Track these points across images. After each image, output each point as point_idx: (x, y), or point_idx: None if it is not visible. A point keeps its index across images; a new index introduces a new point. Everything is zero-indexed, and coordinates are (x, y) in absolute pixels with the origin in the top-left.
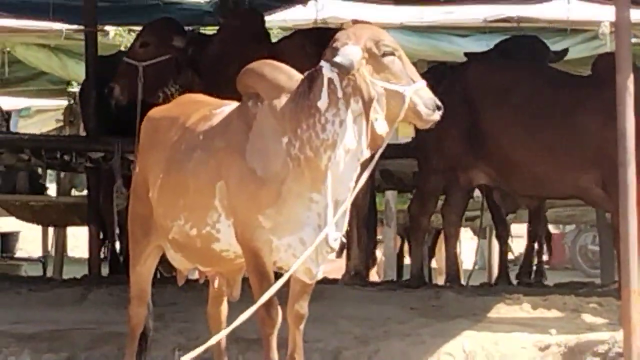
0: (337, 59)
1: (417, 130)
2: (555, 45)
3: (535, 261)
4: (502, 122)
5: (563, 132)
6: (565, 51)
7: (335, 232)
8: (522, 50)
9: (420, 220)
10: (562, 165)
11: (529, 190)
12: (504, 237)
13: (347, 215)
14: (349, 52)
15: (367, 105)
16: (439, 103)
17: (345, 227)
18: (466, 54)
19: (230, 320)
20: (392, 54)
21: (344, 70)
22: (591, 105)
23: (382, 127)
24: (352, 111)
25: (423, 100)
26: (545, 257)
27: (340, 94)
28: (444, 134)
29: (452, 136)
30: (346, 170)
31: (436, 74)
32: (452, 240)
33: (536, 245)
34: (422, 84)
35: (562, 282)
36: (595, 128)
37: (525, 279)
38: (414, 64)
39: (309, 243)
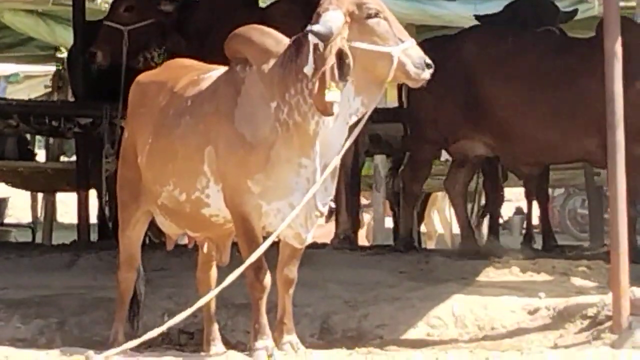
0: (315, 27)
1: (409, 97)
2: None
3: (525, 225)
4: (505, 90)
5: (567, 96)
6: (575, 11)
7: (324, 196)
8: (532, 12)
9: (412, 186)
10: (568, 131)
11: (533, 158)
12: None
13: (335, 179)
14: (329, 18)
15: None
16: (429, 61)
17: (333, 191)
18: (476, 17)
19: (218, 285)
20: (377, 15)
21: (323, 38)
22: (594, 68)
23: (331, 96)
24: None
25: (412, 59)
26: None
27: (346, 70)
28: (440, 104)
29: (449, 106)
30: (335, 135)
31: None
32: (460, 210)
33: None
34: (410, 43)
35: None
36: (599, 91)
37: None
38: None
39: (298, 207)
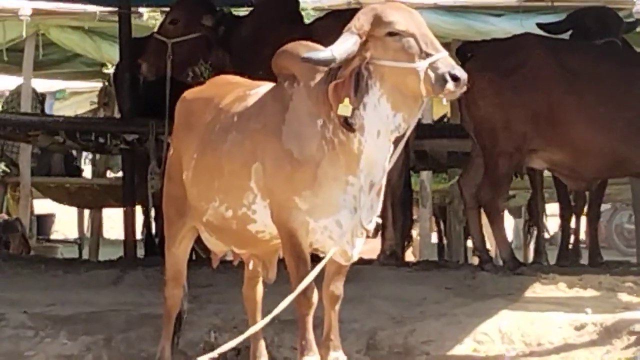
0: (307, 54)
1: (479, 112)
2: None
3: (572, 240)
4: (578, 104)
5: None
6: (637, 22)
7: (370, 214)
8: (595, 22)
9: (496, 203)
10: (635, 145)
11: (596, 173)
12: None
13: (381, 196)
14: (340, 41)
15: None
16: (455, 72)
17: (379, 208)
18: (539, 25)
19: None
20: (398, 32)
21: (323, 64)
22: None
23: (341, 110)
24: (373, 94)
25: (436, 72)
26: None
27: (362, 88)
28: (511, 115)
29: (519, 117)
30: (379, 152)
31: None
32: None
33: (573, 224)
34: (438, 55)
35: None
36: None
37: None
38: (447, 44)
39: (345, 225)
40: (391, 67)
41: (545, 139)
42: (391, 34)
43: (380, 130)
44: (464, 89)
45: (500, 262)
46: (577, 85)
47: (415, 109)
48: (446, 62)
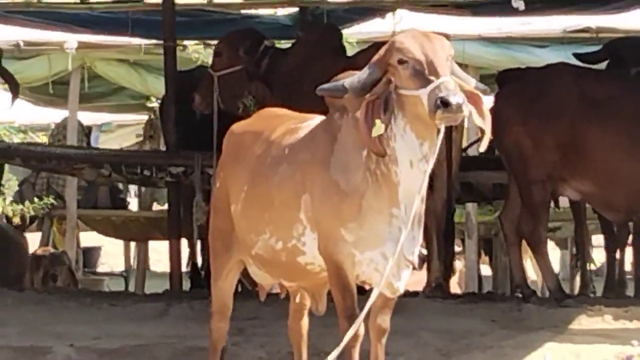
0: (321, 87)
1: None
2: None
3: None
4: (602, 134)
5: None
6: None
7: (411, 245)
8: (630, 51)
9: (538, 232)
10: None
11: (633, 205)
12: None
13: (421, 227)
14: (360, 73)
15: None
16: (447, 98)
17: (421, 239)
18: (575, 55)
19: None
20: (407, 60)
21: (336, 95)
22: None
23: (375, 130)
24: (399, 123)
25: (431, 99)
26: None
27: (390, 108)
28: (539, 142)
29: (548, 145)
30: (414, 182)
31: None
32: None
33: (618, 255)
34: (437, 82)
35: None
36: None
37: None
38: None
39: (391, 258)
40: (406, 95)
41: (571, 169)
42: (401, 62)
43: (412, 160)
44: (460, 115)
45: (546, 294)
46: (602, 115)
47: (435, 137)
48: (444, 88)
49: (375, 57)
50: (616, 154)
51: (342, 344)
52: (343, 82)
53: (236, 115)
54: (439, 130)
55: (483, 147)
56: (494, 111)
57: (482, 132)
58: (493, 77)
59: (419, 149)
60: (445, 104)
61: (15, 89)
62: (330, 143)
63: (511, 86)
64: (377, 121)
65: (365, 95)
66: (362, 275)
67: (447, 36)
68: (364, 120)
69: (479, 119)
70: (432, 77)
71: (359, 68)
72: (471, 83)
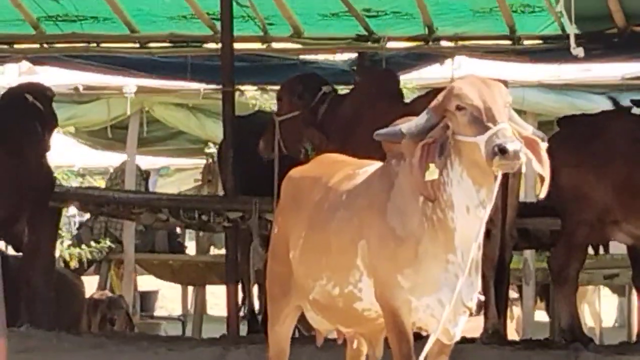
0: (378, 132)
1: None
2: None
3: None
4: None
5: None
6: None
7: (470, 291)
8: None
9: (566, 273)
10: None
11: None
12: None
13: (479, 272)
14: (417, 119)
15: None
16: (504, 145)
17: (479, 285)
18: (632, 101)
19: None
20: (465, 106)
21: (392, 140)
22: None
23: (429, 175)
24: (455, 169)
25: (489, 146)
26: None
27: (446, 153)
28: (593, 184)
29: (604, 187)
30: (471, 228)
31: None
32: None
33: None
34: (495, 129)
35: None
36: None
37: None
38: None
39: (447, 304)
40: (463, 141)
41: (625, 211)
42: (459, 108)
43: (468, 206)
44: (518, 162)
45: (604, 342)
46: None
47: (492, 183)
48: (502, 135)
49: (433, 103)
50: None
51: None
52: (400, 127)
53: (296, 161)
54: (496, 177)
55: (543, 193)
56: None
57: (542, 178)
58: (552, 124)
59: (475, 195)
60: (502, 151)
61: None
62: (387, 189)
63: (567, 129)
64: (432, 165)
65: (421, 140)
66: (419, 322)
67: (505, 83)
68: (418, 163)
69: (538, 166)
70: (489, 124)
71: (416, 114)
72: (528, 130)
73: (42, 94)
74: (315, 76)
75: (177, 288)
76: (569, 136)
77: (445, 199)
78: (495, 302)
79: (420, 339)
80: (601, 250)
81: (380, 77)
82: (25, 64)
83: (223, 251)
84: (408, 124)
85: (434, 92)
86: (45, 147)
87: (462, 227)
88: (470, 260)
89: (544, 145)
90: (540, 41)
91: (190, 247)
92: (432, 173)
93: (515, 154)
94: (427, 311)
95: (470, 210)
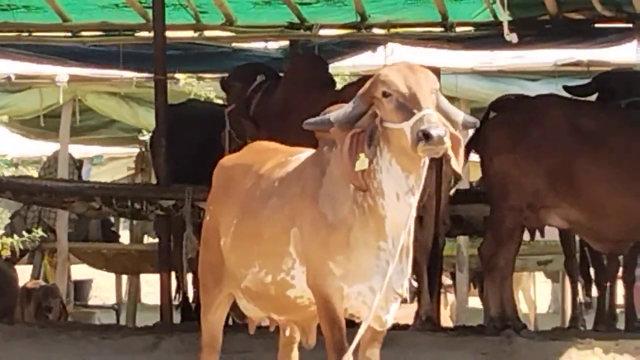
0: (307, 121)
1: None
2: None
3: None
4: (598, 165)
5: None
6: None
7: (400, 277)
8: (620, 84)
9: (495, 260)
10: None
11: (623, 235)
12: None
13: (410, 259)
14: (346, 106)
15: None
16: (428, 130)
17: (409, 272)
18: (565, 88)
19: None
20: (390, 93)
21: (321, 128)
22: None
23: (359, 165)
24: (385, 156)
25: (413, 131)
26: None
27: (375, 142)
28: (526, 170)
29: (535, 173)
30: (401, 215)
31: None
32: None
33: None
34: (420, 114)
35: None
36: None
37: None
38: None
39: (379, 291)
40: (390, 128)
41: (559, 197)
42: (385, 95)
43: (398, 193)
44: (442, 147)
45: (538, 328)
46: (591, 145)
47: (420, 170)
48: (426, 120)
49: (361, 90)
50: (605, 183)
51: None
52: (329, 115)
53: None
54: (425, 163)
55: (457, 168)
56: (482, 137)
57: (457, 177)
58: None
59: (404, 181)
60: (427, 136)
61: None
62: (319, 176)
63: (501, 114)
64: (361, 155)
65: (350, 128)
66: (351, 309)
67: (438, 70)
68: (348, 153)
69: (455, 164)
70: (415, 110)
71: (347, 101)
72: (459, 116)
73: None
74: (252, 66)
75: (111, 277)
76: (502, 121)
77: (375, 186)
78: (428, 289)
79: (353, 325)
80: (538, 237)
81: (309, 64)
82: None
83: (157, 240)
84: (336, 112)
85: (364, 79)
86: None
87: (392, 214)
88: (400, 247)
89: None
90: (473, 28)
91: (124, 236)
92: (363, 163)
93: (440, 139)
94: (359, 298)
95: (400, 197)
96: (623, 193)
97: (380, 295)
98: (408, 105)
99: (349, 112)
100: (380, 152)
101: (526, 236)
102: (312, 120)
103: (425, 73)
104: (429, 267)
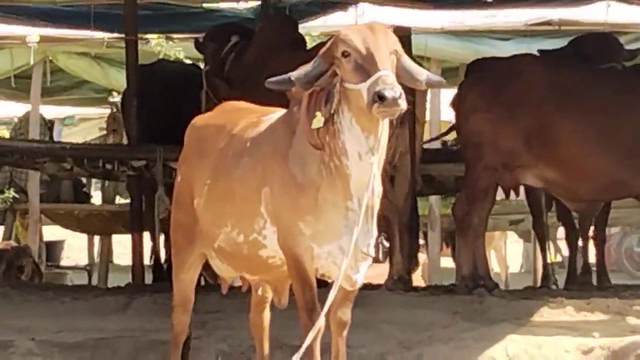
0: (271, 80)
1: (468, 125)
2: None
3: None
4: (575, 124)
5: (635, 133)
6: (638, 50)
7: (366, 237)
8: (596, 48)
9: (468, 219)
10: (634, 167)
11: (595, 195)
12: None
13: (374, 219)
14: (306, 66)
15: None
16: (383, 92)
17: (375, 231)
18: (540, 51)
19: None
20: (349, 53)
21: (283, 88)
22: None
23: (315, 123)
24: (345, 116)
25: (369, 93)
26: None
27: (332, 100)
28: (502, 129)
29: (510, 132)
30: (364, 175)
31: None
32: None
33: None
34: (376, 75)
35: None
36: None
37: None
38: (456, 68)
39: (348, 251)
40: (350, 88)
41: (535, 156)
42: (345, 55)
43: (360, 153)
44: (397, 109)
45: (509, 287)
46: (569, 104)
47: (379, 130)
48: (382, 82)
49: (322, 50)
50: (581, 142)
51: (307, 342)
52: (290, 74)
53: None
54: (385, 124)
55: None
56: (458, 98)
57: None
58: (456, 70)
59: (365, 141)
60: (381, 97)
61: None
62: (289, 136)
63: (476, 74)
64: (318, 113)
65: (311, 87)
66: (321, 269)
67: (409, 29)
68: (305, 112)
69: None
70: (372, 71)
71: None
72: (423, 75)
73: None
74: (227, 26)
75: (83, 238)
76: (478, 81)
77: (340, 146)
78: (403, 249)
79: (326, 285)
80: (512, 196)
81: (279, 24)
82: None
83: (129, 201)
84: (298, 72)
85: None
86: None
87: (356, 174)
88: (364, 207)
89: (445, 92)
90: None
91: (96, 197)
92: (319, 121)
93: (394, 101)
94: (329, 258)
95: (362, 156)
96: (599, 153)
97: (348, 256)
98: (365, 66)
99: (310, 71)
100: (342, 112)
101: (499, 195)
102: (274, 79)
103: (385, 33)
104: (408, 227)
